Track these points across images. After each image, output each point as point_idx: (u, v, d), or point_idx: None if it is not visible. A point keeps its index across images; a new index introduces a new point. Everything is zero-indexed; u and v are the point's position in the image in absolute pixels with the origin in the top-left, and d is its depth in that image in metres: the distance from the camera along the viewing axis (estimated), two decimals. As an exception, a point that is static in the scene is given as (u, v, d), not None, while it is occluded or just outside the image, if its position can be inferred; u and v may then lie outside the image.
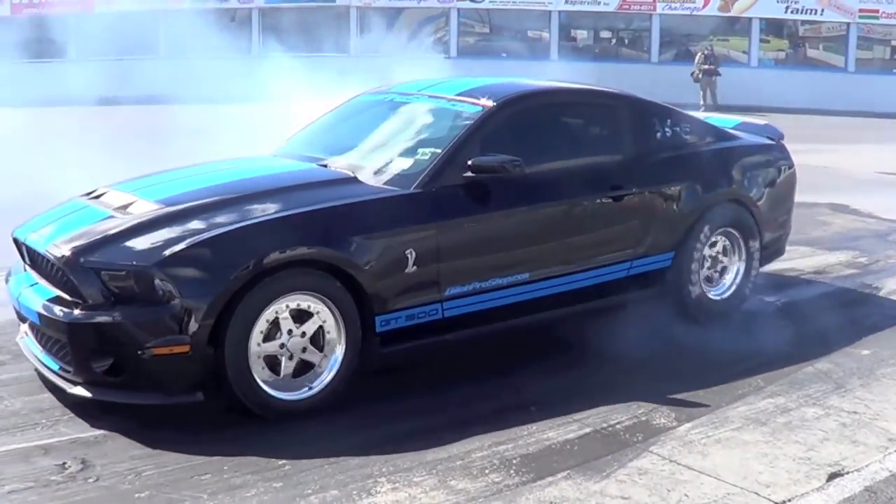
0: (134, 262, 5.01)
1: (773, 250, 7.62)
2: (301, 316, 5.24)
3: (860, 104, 27.44)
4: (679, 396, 5.56)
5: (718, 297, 7.12)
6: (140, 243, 5.13)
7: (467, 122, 6.14)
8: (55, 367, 5.23)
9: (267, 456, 4.78)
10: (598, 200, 6.47)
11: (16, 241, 5.73)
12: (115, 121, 18.46)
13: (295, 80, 14.14)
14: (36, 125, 15.59)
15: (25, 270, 5.66)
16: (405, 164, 6.01)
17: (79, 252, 5.10)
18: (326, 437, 5.02)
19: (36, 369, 5.50)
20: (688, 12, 31.02)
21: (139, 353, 4.91)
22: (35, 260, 5.49)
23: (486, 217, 5.91)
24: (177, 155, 8.48)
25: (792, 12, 30.67)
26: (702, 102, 26.06)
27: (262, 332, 5.10)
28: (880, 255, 9.29)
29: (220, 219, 5.30)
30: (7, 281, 5.81)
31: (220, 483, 4.51)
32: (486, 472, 4.64)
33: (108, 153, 10.76)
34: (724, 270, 7.17)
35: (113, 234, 5.22)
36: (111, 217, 5.47)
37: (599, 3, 31.27)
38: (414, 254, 5.51)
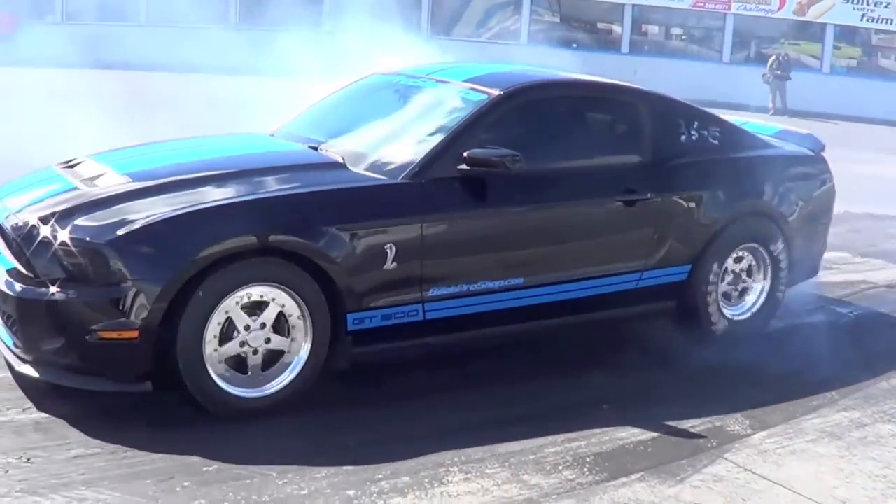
0: (88, 239, 4.69)
1: (803, 269, 7.04)
2: (255, 307, 4.91)
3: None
4: (753, 404, 5.45)
5: (737, 317, 6.60)
6: (98, 219, 4.80)
7: (469, 111, 5.74)
8: (10, 342, 4.93)
9: (335, 437, 4.81)
10: (608, 204, 6.01)
11: None
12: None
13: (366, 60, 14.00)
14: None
15: None
16: (398, 151, 5.63)
17: (35, 224, 4.82)
18: (398, 421, 5.05)
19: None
20: (762, 14, 30.52)
21: (86, 335, 4.62)
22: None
23: (480, 214, 5.51)
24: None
25: (867, 20, 30.11)
26: (771, 106, 25.82)
27: (219, 323, 4.78)
28: (955, 268, 8.98)
29: (185, 198, 4.97)
30: None
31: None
32: (560, 468, 4.59)
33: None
34: (745, 289, 6.66)
35: (72, 208, 4.92)
36: (75, 189, 5.19)
37: (674, -1, 31.02)
38: (394, 249, 5.15)
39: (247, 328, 4.87)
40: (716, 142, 6.59)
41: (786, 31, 31.23)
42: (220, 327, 4.78)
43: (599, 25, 32.66)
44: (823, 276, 7.74)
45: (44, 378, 4.79)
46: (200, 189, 5.10)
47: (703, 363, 6.08)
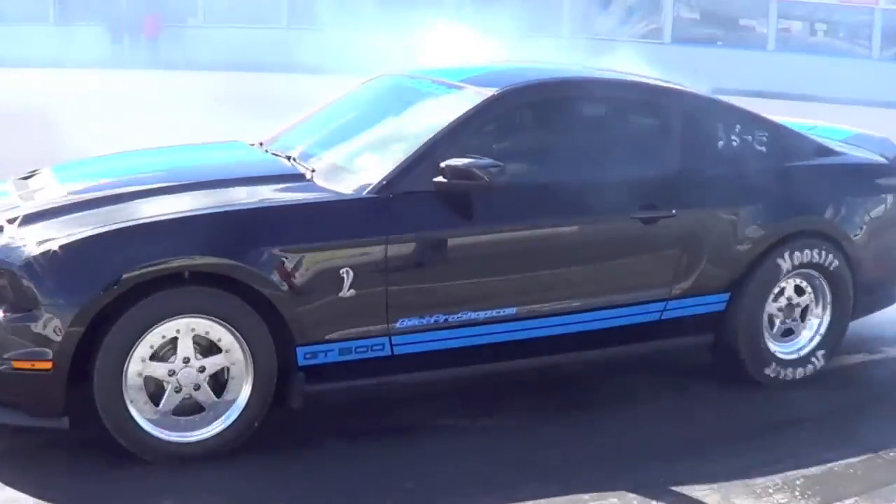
0: (3, 259, 4.32)
1: (875, 298, 6.00)
2: (208, 347, 4.44)
3: None
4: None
5: (789, 356, 5.63)
6: (19, 238, 4.41)
7: (455, 115, 5.06)
8: None
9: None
10: (621, 222, 5.19)
11: None
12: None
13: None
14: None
15: None
16: (371, 161, 5.03)
17: None
18: (602, 434, 4.99)
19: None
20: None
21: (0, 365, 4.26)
22: None
23: (461, 234, 4.85)
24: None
25: None
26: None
27: (152, 346, 4.32)
28: None
29: (112, 215, 4.51)
30: None
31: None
32: (770, 491, 4.39)
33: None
34: (800, 322, 5.67)
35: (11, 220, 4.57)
36: (12, 207, 4.79)
37: (818, -7, 29.66)
38: (351, 274, 4.54)
39: (186, 360, 4.39)
40: (762, 148, 5.64)
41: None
42: (150, 349, 4.32)
43: (741, 22, 31.54)
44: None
45: None
46: (133, 204, 4.64)
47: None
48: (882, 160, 6.20)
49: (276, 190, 4.91)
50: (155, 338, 4.31)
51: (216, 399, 4.47)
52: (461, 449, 4.77)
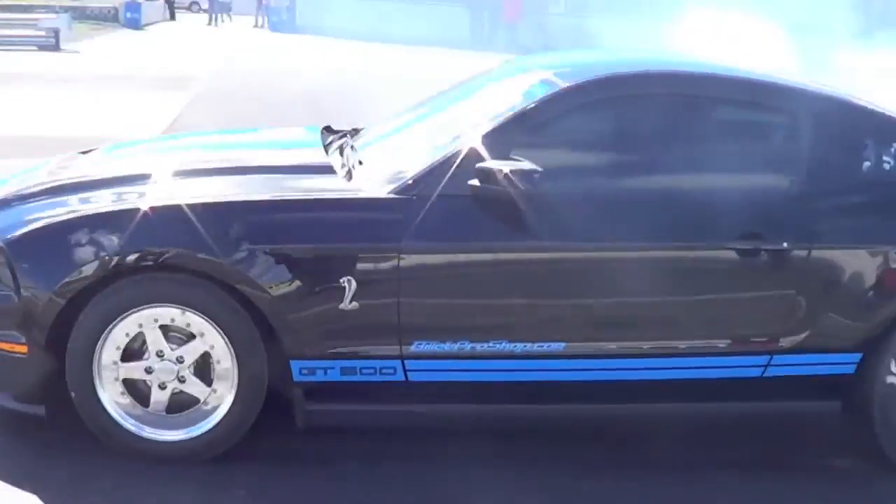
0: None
1: None
2: (178, 335, 4.11)
3: None
4: None
5: None
6: (18, 215, 4.28)
7: (512, 110, 4.39)
8: None
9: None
10: (711, 252, 4.27)
11: None
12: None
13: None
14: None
15: None
16: (413, 157, 4.41)
17: None
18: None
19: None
20: None
21: None
22: None
23: (496, 248, 4.16)
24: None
25: None
26: None
27: (118, 348, 4.07)
28: None
29: (110, 197, 4.28)
30: None
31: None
32: None
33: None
34: None
35: (6, 199, 4.50)
36: (40, 181, 4.68)
37: None
38: (353, 284, 4.00)
39: (159, 354, 4.10)
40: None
41: None
42: (119, 351, 4.08)
43: None
44: None
45: None
46: (137, 188, 4.35)
47: None
48: None
49: (285, 183, 4.45)
50: (119, 335, 4.06)
51: (207, 388, 4.14)
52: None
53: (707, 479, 4.38)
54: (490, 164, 4.08)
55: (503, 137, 4.22)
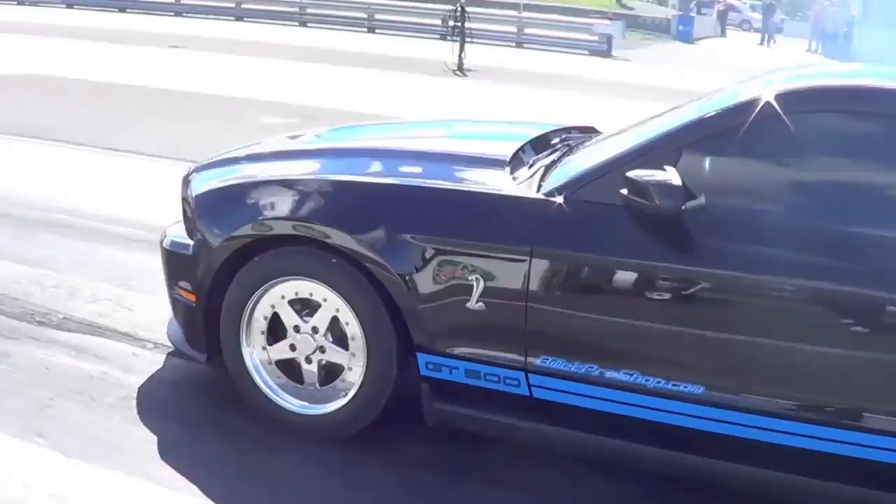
0: (187, 192, 4.60)
1: None
2: (306, 306, 4.17)
3: None
4: None
5: None
6: (209, 176, 4.63)
7: (692, 119, 3.87)
8: None
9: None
10: (884, 304, 3.45)
11: None
12: None
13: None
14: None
15: None
16: (585, 161, 4.04)
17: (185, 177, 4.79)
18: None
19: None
20: None
21: (172, 288, 4.56)
22: None
23: (629, 263, 3.70)
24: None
25: None
26: None
27: (265, 317, 4.23)
28: None
29: (283, 169, 4.49)
30: None
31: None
32: None
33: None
34: None
35: (206, 164, 4.83)
36: (236, 153, 4.95)
37: None
38: (481, 284, 3.80)
39: (296, 328, 4.19)
40: None
41: None
42: (265, 321, 4.25)
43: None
44: None
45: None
46: (311, 162, 4.60)
47: None
48: None
49: (453, 172, 4.26)
50: (260, 313, 4.24)
51: (347, 352, 4.12)
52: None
53: None
54: (639, 173, 3.61)
55: (668, 147, 3.74)
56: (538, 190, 3.90)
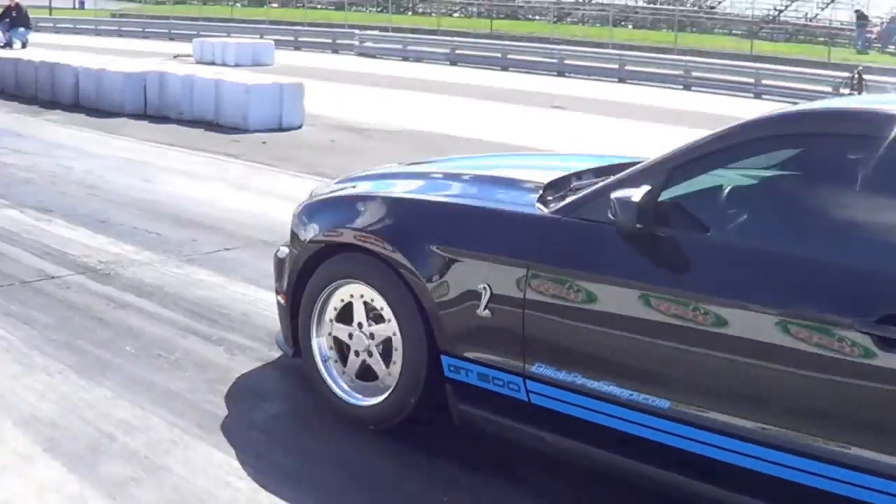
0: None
1: None
2: (376, 317, 4.75)
3: None
4: None
5: None
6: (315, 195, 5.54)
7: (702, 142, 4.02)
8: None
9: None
10: (843, 333, 3.33)
11: None
12: None
13: None
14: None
15: None
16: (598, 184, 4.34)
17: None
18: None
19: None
20: None
21: (276, 293, 5.46)
22: None
23: (605, 278, 3.95)
24: None
25: None
26: None
27: (335, 308, 4.92)
28: None
29: (370, 188, 5.33)
30: None
31: None
32: None
33: None
34: None
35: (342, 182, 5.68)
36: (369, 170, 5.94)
37: None
38: (489, 292, 4.21)
39: (359, 325, 4.82)
40: None
41: None
42: (335, 311, 4.91)
43: None
44: None
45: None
46: (393, 183, 5.40)
47: None
48: None
49: (492, 193, 4.74)
50: (336, 300, 4.90)
51: (385, 369, 4.71)
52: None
53: None
54: (621, 193, 3.87)
55: (656, 168, 3.98)
56: (547, 209, 4.25)
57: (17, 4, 28.53)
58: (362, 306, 4.76)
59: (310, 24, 49.99)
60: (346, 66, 33.84)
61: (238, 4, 66.99)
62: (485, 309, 4.23)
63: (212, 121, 16.13)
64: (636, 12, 55.47)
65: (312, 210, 5.18)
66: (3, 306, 6.40)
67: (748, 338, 3.56)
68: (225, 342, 5.92)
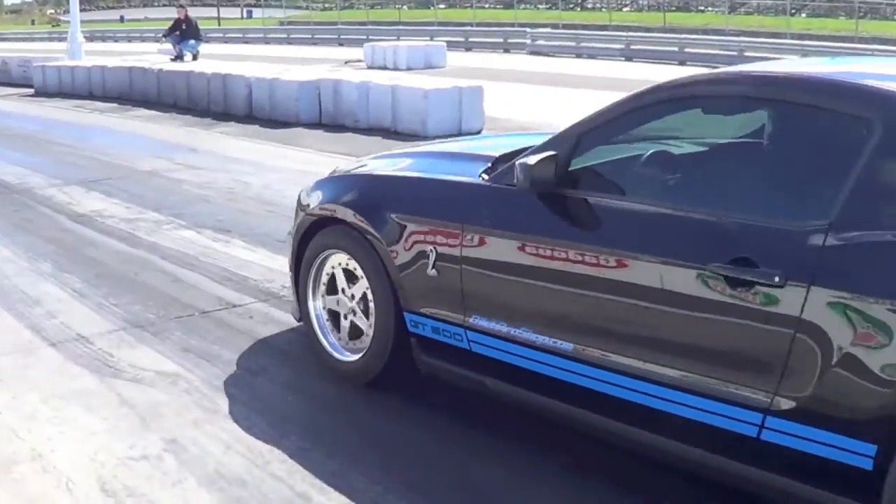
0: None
1: None
2: (353, 279, 5.32)
3: None
4: None
5: None
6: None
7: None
8: None
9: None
10: (700, 275, 3.71)
11: None
12: None
13: None
14: None
15: None
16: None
17: None
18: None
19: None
20: None
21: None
22: None
23: (524, 238, 4.41)
24: None
25: None
26: None
27: (323, 283, 5.51)
28: None
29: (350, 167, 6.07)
30: None
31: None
32: None
33: None
34: None
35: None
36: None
37: None
38: (435, 253, 4.76)
39: (342, 290, 5.39)
40: None
41: None
42: (324, 287, 5.52)
43: None
44: None
45: None
46: (386, 162, 5.97)
47: None
48: None
49: (446, 166, 5.25)
50: (326, 271, 5.49)
51: (367, 322, 5.24)
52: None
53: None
54: (524, 158, 4.36)
55: (565, 136, 4.43)
56: (483, 178, 4.76)
57: (186, 16, 28.78)
58: (342, 273, 5.38)
59: (478, 24, 49.77)
60: (520, 65, 33.48)
61: (405, 7, 67.34)
62: (432, 268, 4.78)
63: (389, 128, 15.84)
64: (813, 0, 53.67)
65: (314, 187, 5.78)
66: (181, 340, 6.06)
67: (631, 282, 3.99)
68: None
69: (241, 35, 53.81)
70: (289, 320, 6.22)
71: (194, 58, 27.15)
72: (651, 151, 4.47)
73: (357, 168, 5.89)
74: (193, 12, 30.68)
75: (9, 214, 10.01)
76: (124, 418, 4.96)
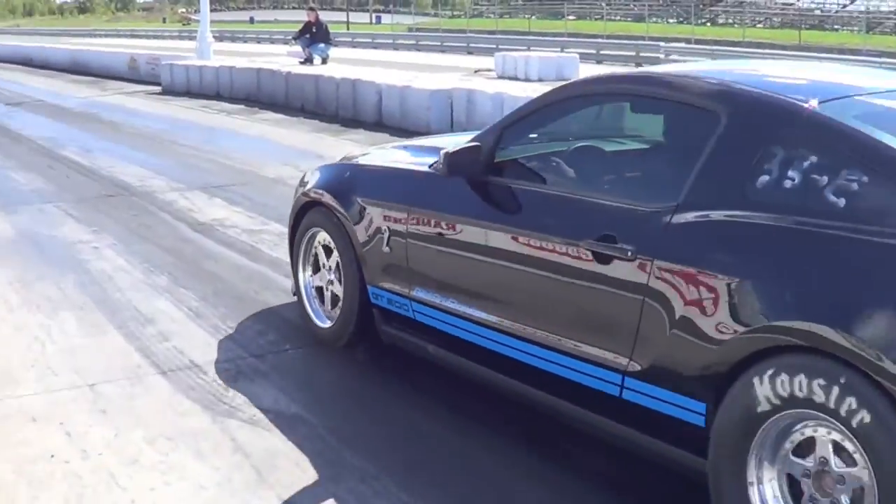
0: None
1: None
2: (329, 252, 5.96)
3: None
4: None
5: None
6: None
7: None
8: None
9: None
10: (574, 249, 4.23)
11: None
12: None
13: None
14: None
15: None
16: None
17: None
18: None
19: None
20: None
21: None
22: None
23: (451, 219, 5.00)
24: None
25: None
26: None
27: (310, 264, 6.16)
28: None
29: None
30: None
31: None
32: None
33: None
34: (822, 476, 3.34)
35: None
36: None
37: None
38: (388, 232, 5.35)
39: (323, 265, 6.05)
40: (840, 202, 3.48)
41: None
42: (312, 259, 6.15)
43: None
44: None
45: None
46: (378, 152, 6.75)
47: None
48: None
49: (414, 157, 5.83)
50: (312, 248, 6.15)
51: (342, 288, 5.83)
52: None
53: None
54: (448, 148, 5.01)
55: (494, 128, 4.97)
56: (429, 166, 5.28)
57: (317, 19, 28.53)
58: (322, 249, 6.01)
59: (608, 37, 48.91)
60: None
61: (534, 17, 66.75)
62: (386, 245, 5.34)
63: (524, 141, 15.03)
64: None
65: (314, 171, 6.34)
66: (303, 376, 5.49)
67: (526, 254, 4.47)
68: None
69: (370, 40, 53.64)
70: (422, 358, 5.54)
71: (324, 61, 26.90)
72: (556, 148, 5.06)
73: (358, 156, 6.51)
74: (323, 16, 30.42)
75: (127, 220, 9.66)
76: (238, 469, 4.41)
